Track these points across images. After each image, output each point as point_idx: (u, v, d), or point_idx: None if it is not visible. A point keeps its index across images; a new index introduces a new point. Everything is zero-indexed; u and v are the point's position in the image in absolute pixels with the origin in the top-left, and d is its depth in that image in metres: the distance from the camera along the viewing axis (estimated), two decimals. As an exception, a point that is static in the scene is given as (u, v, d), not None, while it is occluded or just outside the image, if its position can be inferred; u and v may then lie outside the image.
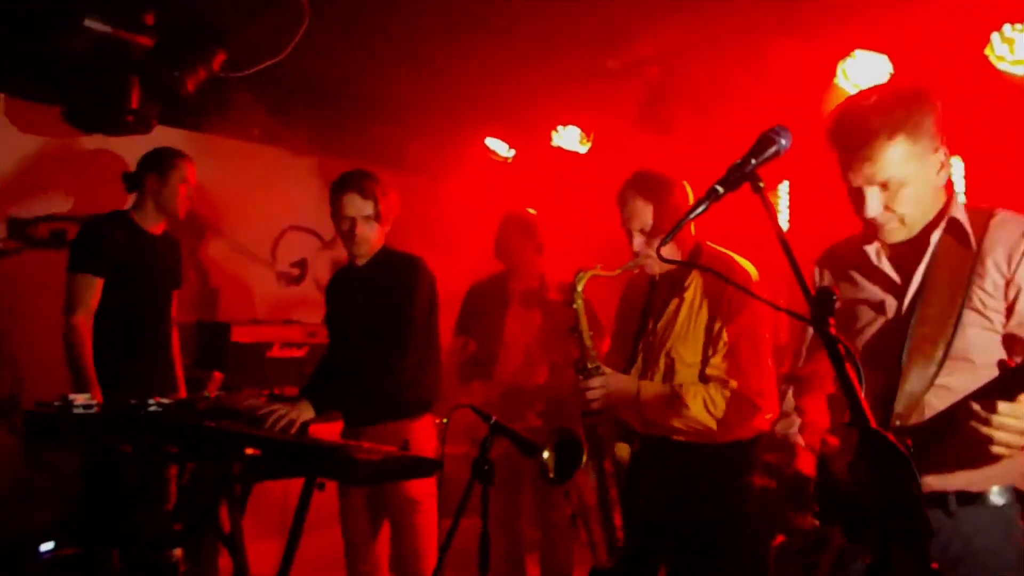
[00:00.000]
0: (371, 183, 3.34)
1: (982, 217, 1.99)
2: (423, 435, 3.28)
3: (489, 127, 5.46)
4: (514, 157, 5.39)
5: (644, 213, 2.75)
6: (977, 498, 1.92)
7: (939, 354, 1.92)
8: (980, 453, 1.74)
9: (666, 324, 2.80)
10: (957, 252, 1.97)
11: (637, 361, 2.86)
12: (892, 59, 4.04)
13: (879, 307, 2.08)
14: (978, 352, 1.91)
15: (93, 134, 4.47)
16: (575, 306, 2.75)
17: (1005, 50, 3.77)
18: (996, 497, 1.92)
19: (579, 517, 2.79)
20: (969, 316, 1.92)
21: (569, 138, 4.96)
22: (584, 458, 2.68)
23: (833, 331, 1.40)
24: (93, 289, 3.61)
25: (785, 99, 4.38)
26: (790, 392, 2.38)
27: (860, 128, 1.91)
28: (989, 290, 1.93)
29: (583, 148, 4.95)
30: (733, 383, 2.65)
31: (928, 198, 1.99)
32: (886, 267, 2.07)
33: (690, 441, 2.71)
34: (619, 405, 2.69)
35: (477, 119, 5.43)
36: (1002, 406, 1.64)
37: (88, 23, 3.61)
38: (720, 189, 1.69)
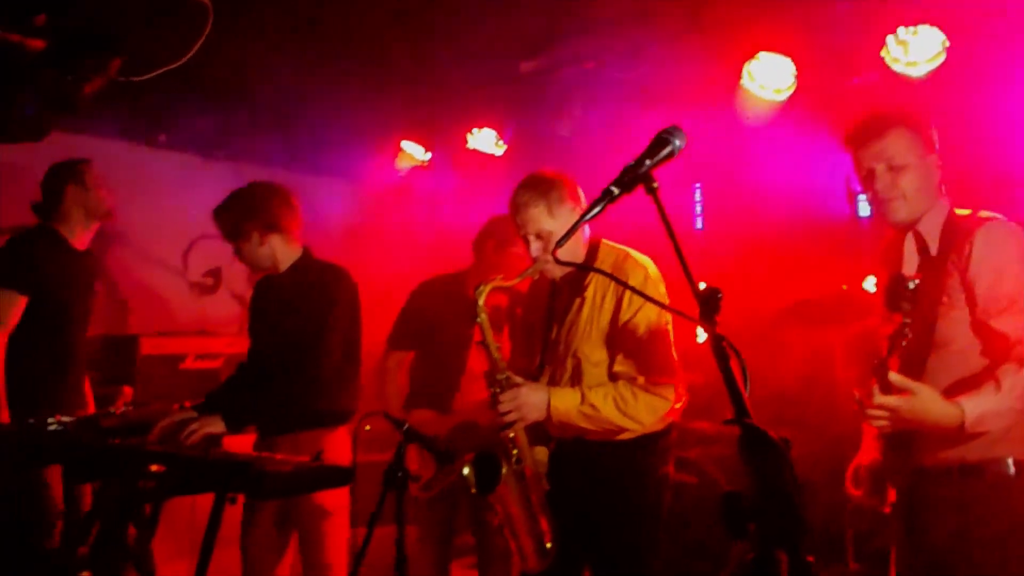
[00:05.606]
0: (233, 219, 3.22)
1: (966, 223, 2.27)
2: (338, 446, 3.22)
3: (405, 130, 5.42)
4: (430, 160, 5.37)
5: (539, 217, 2.73)
6: (976, 469, 2.07)
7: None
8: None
9: (570, 325, 2.80)
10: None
11: (545, 366, 2.85)
12: (795, 61, 4.16)
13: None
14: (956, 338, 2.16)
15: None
16: (479, 320, 2.72)
17: (900, 52, 3.92)
18: (996, 467, 2.06)
19: (505, 526, 2.77)
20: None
21: (484, 141, 4.97)
22: (504, 469, 2.67)
23: (718, 329, 1.41)
24: (15, 307, 3.44)
25: (696, 100, 4.48)
26: None
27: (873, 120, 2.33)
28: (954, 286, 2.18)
29: (499, 151, 4.97)
30: (641, 379, 2.67)
31: (926, 188, 2.30)
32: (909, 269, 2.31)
33: (605, 439, 2.73)
34: (532, 416, 2.67)
35: (393, 122, 5.38)
36: (876, 397, 2.01)
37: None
38: (615, 190, 1.71)
